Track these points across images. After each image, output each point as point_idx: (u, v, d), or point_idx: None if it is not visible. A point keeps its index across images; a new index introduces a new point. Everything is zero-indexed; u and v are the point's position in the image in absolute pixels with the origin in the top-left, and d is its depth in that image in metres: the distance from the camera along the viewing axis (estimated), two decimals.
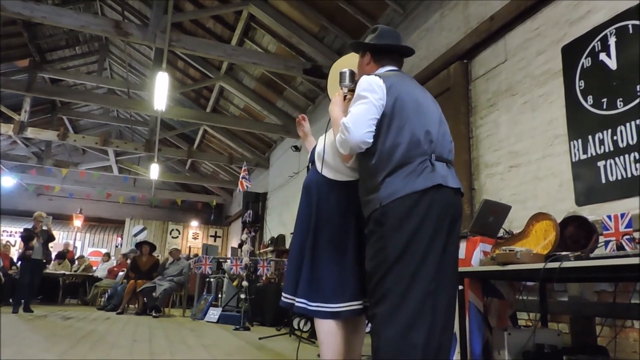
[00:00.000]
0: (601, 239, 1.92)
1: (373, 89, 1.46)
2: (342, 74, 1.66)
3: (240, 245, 6.85)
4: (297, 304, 1.61)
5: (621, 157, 2.27)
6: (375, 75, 1.52)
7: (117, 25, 5.17)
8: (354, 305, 1.58)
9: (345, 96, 1.65)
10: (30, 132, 8.39)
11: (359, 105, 1.45)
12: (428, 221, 1.36)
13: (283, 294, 1.69)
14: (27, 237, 5.74)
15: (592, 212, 2.31)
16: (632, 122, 2.23)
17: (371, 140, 1.44)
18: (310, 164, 1.86)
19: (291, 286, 1.66)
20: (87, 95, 8.09)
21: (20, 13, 4.82)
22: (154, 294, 6.30)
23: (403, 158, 1.41)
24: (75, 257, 9.20)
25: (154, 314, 6.14)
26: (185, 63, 7.85)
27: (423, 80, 3.91)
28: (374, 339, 1.35)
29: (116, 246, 13.45)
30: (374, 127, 1.45)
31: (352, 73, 1.66)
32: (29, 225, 6.16)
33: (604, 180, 2.34)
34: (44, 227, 5.81)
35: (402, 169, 1.40)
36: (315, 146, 1.84)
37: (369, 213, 1.45)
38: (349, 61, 1.79)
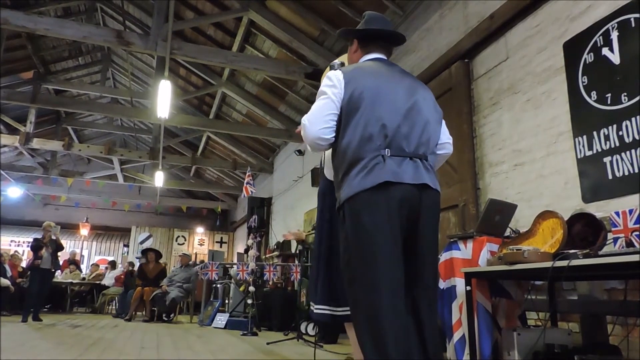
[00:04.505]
0: (610, 235, 1.90)
1: (333, 84, 1.45)
2: (331, 67, 1.64)
3: (246, 251, 6.85)
4: (323, 311, 1.61)
5: (627, 153, 2.24)
6: (340, 69, 1.50)
7: (118, 35, 5.21)
8: None
9: None
10: (35, 143, 8.48)
11: (318, 101, 1.46)
12: (381, 219, 1.30)
13: (312, 304, 1.68)
14: (36, 247, 5.78)
15: (600, 209, 2.29)
16: (638, 117, 2.21)
17: (328, 137, 1.42)
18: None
19: (313, 294, 1.67)
20: (91, 105, 8.14)
21: (24, 26, 4.89)
22: (166, 302, 6.32)
23: (355, 155, 1.37)
24: (91, 264, 9.31)
25: (165, 319, 6.16)
26: (187, 70, 7.90)
27: (424, 81, 3.89)
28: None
29: (122, 254, 13.51)
30: (333, 123, 1.42)
31: (342, 65, 1.64)
32: (38, 235, 6.20)
33: (610, 177, 2.32)
34: (53, 237, 5.86)
35: (355, 166, 1.36)
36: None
37: (337, 212, 1.46)
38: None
